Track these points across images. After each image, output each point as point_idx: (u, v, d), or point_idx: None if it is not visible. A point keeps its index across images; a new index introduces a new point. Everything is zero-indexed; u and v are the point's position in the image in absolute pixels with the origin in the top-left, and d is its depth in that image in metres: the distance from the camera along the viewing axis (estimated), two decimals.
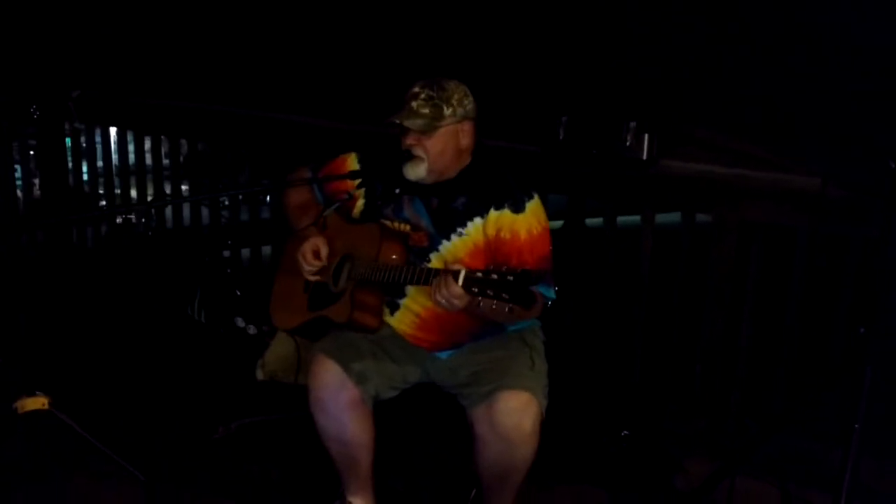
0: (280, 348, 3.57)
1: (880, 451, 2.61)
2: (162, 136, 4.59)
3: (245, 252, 4.40)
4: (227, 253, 4.34)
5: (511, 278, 1.97)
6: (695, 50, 2.83)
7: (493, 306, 2.01)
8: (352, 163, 2.61)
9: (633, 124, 2.86)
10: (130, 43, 4.60)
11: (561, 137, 3.00)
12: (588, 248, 3.24)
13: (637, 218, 3.12)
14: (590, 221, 3.30)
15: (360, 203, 2.58)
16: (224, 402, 3.31)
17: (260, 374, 3.51)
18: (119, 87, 4.61)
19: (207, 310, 3.94)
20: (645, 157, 2.89)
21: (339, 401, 2.36)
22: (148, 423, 3.12)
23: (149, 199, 4.72)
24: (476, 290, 2.02)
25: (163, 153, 4.70)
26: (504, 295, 1.98)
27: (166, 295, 4.06)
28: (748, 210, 2.82)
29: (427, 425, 2.63)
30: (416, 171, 2.39)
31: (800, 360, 2.87)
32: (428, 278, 2.19)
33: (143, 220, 2.27)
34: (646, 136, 2.87)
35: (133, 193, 4.87)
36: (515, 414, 2.23)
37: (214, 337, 3.85)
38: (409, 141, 2.38)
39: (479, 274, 2.02)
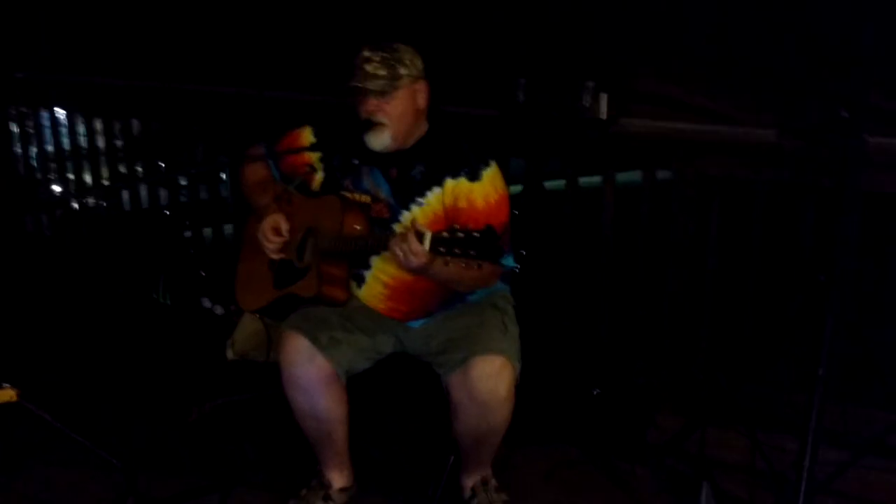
0: (249, 326, 3.55)
1: (841, 395, 2.68)
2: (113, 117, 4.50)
3: (206, 231, 4.35)
4: (188, 233, 4.28)
5: (477, 235, 1.99)
6: (648, 5, 2.83)
7: (463, 265, 2.02)
8: (307, 136, 2.58)
9: (590, 84, 2.87)
10: (71, 21, 4.47)
11: (520, 100, 3.00)
12: (549, 211, 3.25)
13: (596, 178, 3.14)
14: (549, 184, 3.31)
15: (319, 176, 2.56)
16: (196, 383, 3.29)
17: (230, 354, 3.50)
18: (64, 68, 4.50)
19: (172, 292, 3.90)
20: (604, 116, 2.90)
21: (311, 376, 2.36)
22: (121, 409, 3.10)
23: (104, 181, 4.64)
24: (443, 249, 2.02)
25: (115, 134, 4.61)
26: (472, 252, 1.98)
27: (130, 279, 4.01)
28: (707, 164, 2.85)
29: (402, 394, 2.65)
30: (381, 139, 2.37)
31: (762, 310, 2.92)
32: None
33: (104, 203, 2.22)
34: (604, 96, 2.88)
35: (87, 177, 4.78)
36: (490, 378, 2.25)
37: (181, 319, 3.81)
38: (370, 107, 2.36)
39: (445, 234, 2.03)
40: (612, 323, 3.20)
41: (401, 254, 2.10)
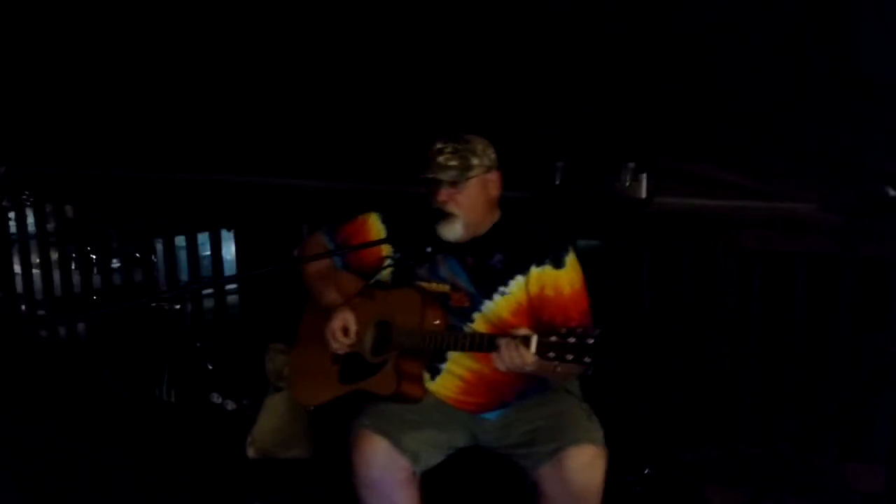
0: (269, 422, 3.40)
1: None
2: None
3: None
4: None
5: (591, 342, 1.95)
6: (685, 85, 2.90)
7: (572, 370, 2.00)
8: (374, 223, 2.54)
9: (631, 165, 2.91)
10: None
11: (557, 182, 3.02)
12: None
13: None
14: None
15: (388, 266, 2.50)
16: (222, 486, 3.10)
17: (251, 452, 3.34)
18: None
19: (178, 389, 3.71)
20: (644, 196, 2.94)
21: (391, 480, 2.26)
22: None
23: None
24: (553, 355, 1.99)
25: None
26: (586, 359, 1.96)
27: (133, 378, 3.79)
28: (747, 239, 2.91)
29: (476, 489, 2.55)
30: (453, 230, 2.35)
31: (807, 381, 2.96)
32: (491, 345, 2.13)
33: (178, 306, 2.10)
34: (644, 176, 2.92)
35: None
36: (586, 469, 2.20)
37: (190, 417, 3.61)
38: (442, 197, 2.34)
39: (554, 338, 2.00)
40: (654, 398, 3.17)
41: (510, 363, 2.06)
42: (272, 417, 3.41)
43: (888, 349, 2.38)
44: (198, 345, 3.71)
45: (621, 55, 2.92)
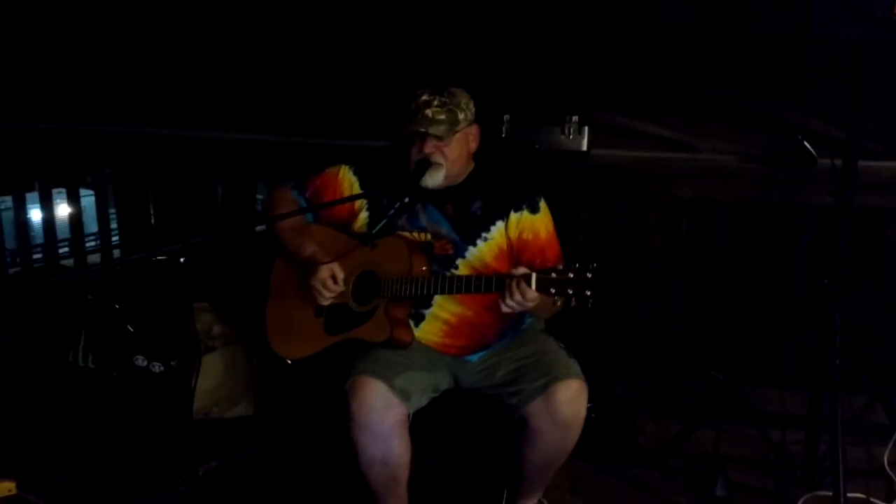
0: (208, 382, 3.33)
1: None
2: None
3: None
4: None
5: (590, 275, 2.07)
6: (618, 47, 3.08)
7: (573, 304, 2.10)
8: (345, 175, 2.55)
9: (574, 118, 3.06)
10: None
11: (503, 135, 3.12)
12: None
13: None
14: None
15: (363, 216, 2.52)
16: (171, 450, 3.01)
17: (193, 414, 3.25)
18: None
19: (95, 353, 3.51)
20: (585, 148, 3.10)
21: (388, 421, 2.30)
22: (114, 489, 2.77)
23: None
24: (554, 290, 2.09)
25: None
26: (587, 292, 2.07)
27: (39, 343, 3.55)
28: (677, 187, 3.14)
29: (459, 429, 2.64)
30: (435, 178, 2.42)
31: (729, 316, 3.25)
32: (500, 284, 2.20)
33: (182, 259, 2.01)
34: (586, 129, 3.08)
35: None
36: (574, 402, 2.33)
37: (114, 383, 3.45)
38: (429, 149, 2.39)
39: (553, 275, 2.10)
40: (588, 337, 3.36)
41: (515, 304, 2.13)
42: (209, 377, 3.33)
43: (801, 284, 2.68)
44: (116, 306, 3.53)
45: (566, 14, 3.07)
